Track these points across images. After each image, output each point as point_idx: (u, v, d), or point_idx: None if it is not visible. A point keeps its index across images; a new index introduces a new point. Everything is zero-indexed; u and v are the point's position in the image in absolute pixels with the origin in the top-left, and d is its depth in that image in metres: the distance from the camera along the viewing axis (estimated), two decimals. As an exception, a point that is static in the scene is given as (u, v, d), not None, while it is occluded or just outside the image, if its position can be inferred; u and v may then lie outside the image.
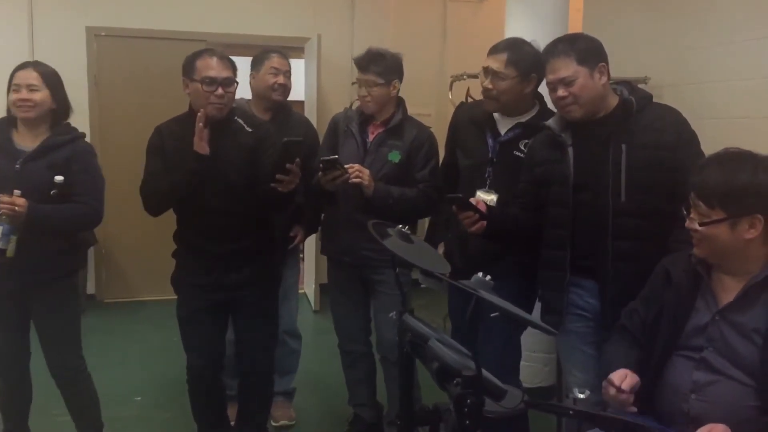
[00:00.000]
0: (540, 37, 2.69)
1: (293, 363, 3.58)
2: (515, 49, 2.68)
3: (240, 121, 2.78)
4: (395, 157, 2.95)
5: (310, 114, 5.36)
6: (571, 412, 1.43)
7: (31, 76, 2.67)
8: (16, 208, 2.50)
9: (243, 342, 2.95)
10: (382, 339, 3.10)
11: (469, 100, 4.41)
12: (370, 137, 3.01)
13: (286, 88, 3.30)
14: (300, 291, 4.61)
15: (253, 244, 2.81)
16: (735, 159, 1.80)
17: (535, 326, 1.48)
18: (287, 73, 3.30)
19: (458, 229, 2.79)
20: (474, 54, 5.71)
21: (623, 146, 2.31)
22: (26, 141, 2.70)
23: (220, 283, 2.78)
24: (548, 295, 2.54)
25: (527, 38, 2.75)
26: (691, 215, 1.83)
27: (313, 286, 5.61)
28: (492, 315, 1.38)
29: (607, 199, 2.33)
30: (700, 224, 1.79)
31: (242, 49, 5.78)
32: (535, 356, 3.63)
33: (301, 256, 3.83)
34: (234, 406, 3.20)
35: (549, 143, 2.49)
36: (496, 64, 2.66)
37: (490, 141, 2.77)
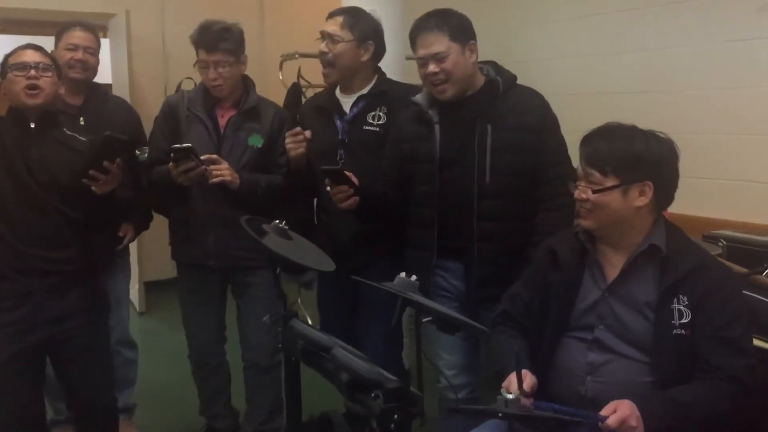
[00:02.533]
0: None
1: (131, 375, 3.20)
2: (352, 14, 2.62)
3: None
4: (257, 141, 2.70)
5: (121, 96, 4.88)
6: (500, 414, 1.34)
7: None
8: None
9: (73, 386, 2.48)
10: (252, 345, 2.85)
11: (301, 80, 4.26)
12: (221, 121, 2.72)
13: (87, 65, 2.87)
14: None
15: (75, 259, 2.35)
16: (625, 129, 1.82)
17: (472, 328, 1.37)
18: (89, 50, 2.88)
19: (324, 215, 2.65)
20: (294, 33, 5.63)
21: (489, 127, 2.28)
22: None
23: (37, 318, 2.30)
24: (415, 276, 2.46)
25: (366, 8, 2.70)
26: (580, 185, 1.82)
27: (137, 285, 5.16)
28: (424, 320, 1.25)
29: (472, 180, 2.29)
30: (594, 192, 1.77)
31: (40, 28, 5.16)
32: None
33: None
34: (122, 420, 2.83)
35: (416, 119, 2.42)
36: (332, 27, 2.59)
37: (338, 123, 2.66)
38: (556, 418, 1.42)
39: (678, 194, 1.86)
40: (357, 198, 2.29)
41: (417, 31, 2.31)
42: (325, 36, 2.59)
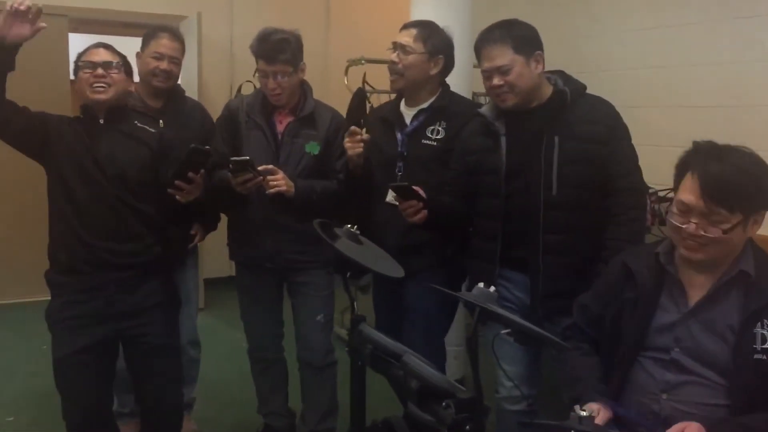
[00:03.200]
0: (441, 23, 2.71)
1: (193, 373, 3.26)
2: (426, 27, 2.64)
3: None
4: (314, 148, 2.73)
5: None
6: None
7: None
8: None
9: (143, 381, 2.53)
10: (307, 344, 2.88)
11: (366, 86, 4.28)
12: (279, 128, 2.76)
13: (170, 75, 2.92)
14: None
15: (146, 253, 2.42)
16: (741, 156, 1.69)
17: (549, 342, 1.36)
18: (174, 60, 2.93)
19: (374, 221, 2.67)
20: (359, 39, 5.67)
21: (556, 138, 2.26)
22: None
23: (108, 312, 2.37)
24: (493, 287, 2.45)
25: (436, 20, 2.73)
26: (695, 222, 1.69)
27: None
28: (503, 332, 1.24)
29: (538, 192, 2.27)
30: (724, 231, 1.66)
31: (112, 28, 5.32)
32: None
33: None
34: (128, 424, 2.88)
35: (482, 131, 2.41)
36: (405, 38, 2.62)
37: (399, 135, 2.68)
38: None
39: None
40: (426, 212, 2.29)
41: (481, 44, 2.30)
42: (397, 47, 2.62)
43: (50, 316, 2.42)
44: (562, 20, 4.33)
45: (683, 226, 1.70)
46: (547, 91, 2.34)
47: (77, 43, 6.01)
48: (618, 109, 2.35)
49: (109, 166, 2.35)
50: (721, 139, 1.79)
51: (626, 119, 2.34)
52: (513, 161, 2.33)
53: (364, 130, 2.56)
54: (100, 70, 2.35)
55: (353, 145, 2.53)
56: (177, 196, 2.31)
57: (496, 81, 2.27)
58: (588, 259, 2.25)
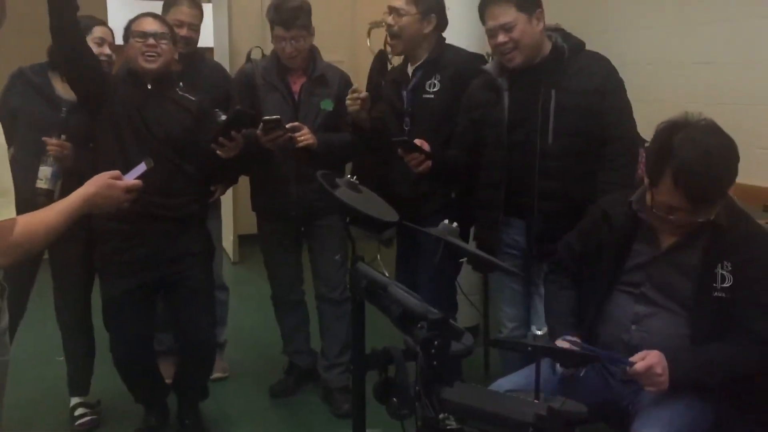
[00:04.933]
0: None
1: (222, 315, 3.54)
2: None
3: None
4: (328, 105, 2.97)
5: (222, 60, 5.17)
6: (529, 348, 1.52)
7: None
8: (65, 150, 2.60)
9: (181, 320, 2.81)
10: (326, 279, 3.13)
11: (387, 48, 4.43)
12: (295, 88, 2.99)
13: (190, 41, 3.15)
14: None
15: (186, 207, 2.67)
16: (699, 139, 1.79)
17: (503, 270, 1.55)
18: (192, 26, 3.15)
19: (390, 173, 2.88)
20: (384, 2, 5.75)
21: (552, 91, 2.40)
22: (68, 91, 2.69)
23: (154, 258, 2.64)
24: (483, 233, 2.64)
25: None
26: (681, 216, 1.83)
27: (231, 237, 5.54)
28: (461, 260, 1.43)
29: (535, 141, 2.42)
30: (706, 221, 1.81)
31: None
32: (460, 298, 3.75)
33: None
34: (167, 362, 3.16)
35: (486, 87, 2.56)
36: (398, 1, 2.79)
37: (403, 93, 2.88)
38: (582, 354, 1.57)
39: (744, 165, 1.86)
40: (429, 162, 2.47)
41: (485, 4, 2.44)
42: (391, 10, 2.80)
43: (100, 260, 2.70)
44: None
45: (670, 217, 1.85)
46: (548, 47, 2.47)
47: (114, 7, 6.22)
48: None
49: (156, 127, 2.59)
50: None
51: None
52: (514, 114, 2.48)
53: (377, 89, 2.75)
54: (151, 40, 2.56)
55: (352, 102, 2.77)
56: (219, 152, 2.54)
57: (501, 38, 2.40)
58: (581, 203, 2.35)
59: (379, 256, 4.80)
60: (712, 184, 1.76)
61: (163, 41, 2.60)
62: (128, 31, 2.63)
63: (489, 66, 2.58)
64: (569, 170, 2.41)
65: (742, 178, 2.05)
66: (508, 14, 2.38)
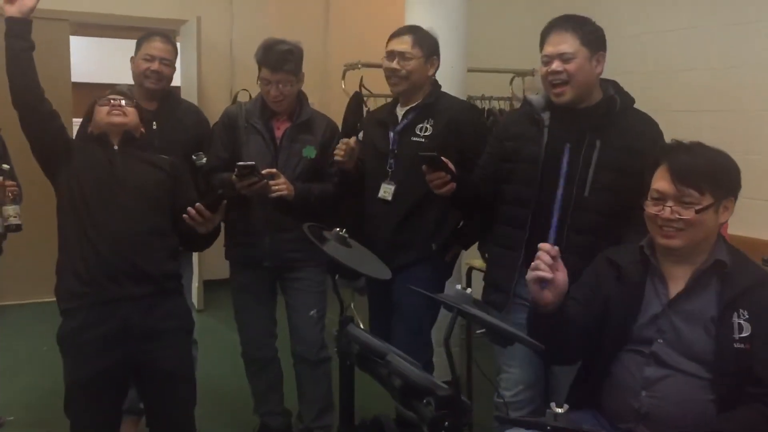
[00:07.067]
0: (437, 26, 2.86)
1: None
2: (417, 32, 2.76)
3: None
4: (311, 152, 2.84)
5: (189, 99, 5.04)
6: (549, 428, 1.37)
7: None
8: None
9: (154, 408, 2.43)
10: (300, 339, 2.96)
11: (363, 90, 4.34)
12: (278, 133, 2.86)
13: (161, 76, 3.00)
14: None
15: (162, 267, 2.35)
16: (704, 146, 1.85)
17: (526, 343, 1.41)
18: (165, 61, 3.01)
19: (367, 217, 2.79)
20: (356, 44, 5.72)
21: (598, 142, 2.25)
22: None
23: (125, 333, 2.27)
24: (497, 273, 2.47)
25: (425, 26, 2.84)
26: (670, 205, 1.79)
27: (196, 283, 5.31)
28: (478, 332, 1.29)
29: (571, 191, 2.28)
30: (697, 211, 1.76)
31: (114, 31, 5.35)
32: (439, 350, 3.60)
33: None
34: (126, 421, 2.91)
35: (526, 119, 2.41)
36: (403, 46, 2.71)
37: (390, 134, 2.78)
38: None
39: (739, 216, 1.88)
40: (453, 184, 2.29)
41: (550, 29, 2.28)
42: (396, 55, 2.70)
43: (64, 339, 2.33)
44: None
45: (659, 213, 1.80)
46: (598, 95, 2.32)
47: (79, 45, 6.08)
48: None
49: (126, 182, 2.36)
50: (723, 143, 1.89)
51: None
52: (551, 154, 2.31)
53: (360, 134, 2.63)
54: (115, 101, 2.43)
55: (341, 152, 2.67)
56: (196, 227, 2.31)
57: (556, 66, 2.23)
58: None
59: (353, 305, 4.63)
60: (697, 167, 1.78)
61: (129, 106, 2.47)
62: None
63: (533, 98, 2.41)
64: (600, 227, 2.26)
65: (740, 231, 2.01)
66: (571, 44, 2.22)
